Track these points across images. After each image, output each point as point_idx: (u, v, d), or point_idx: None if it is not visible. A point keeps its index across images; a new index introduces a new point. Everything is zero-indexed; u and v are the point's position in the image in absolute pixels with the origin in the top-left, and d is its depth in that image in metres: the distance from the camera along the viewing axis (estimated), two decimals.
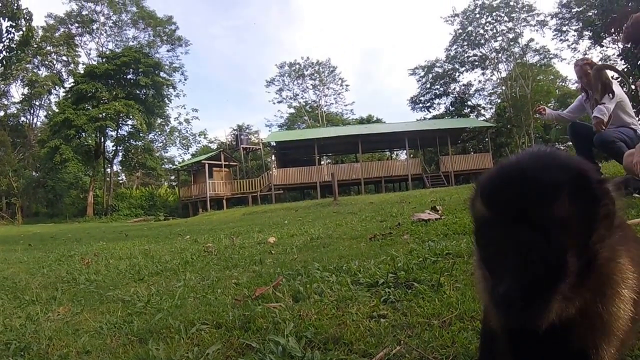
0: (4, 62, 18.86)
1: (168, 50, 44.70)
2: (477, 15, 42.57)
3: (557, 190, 0.68)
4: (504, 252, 0.70)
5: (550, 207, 0.67)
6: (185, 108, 50.45)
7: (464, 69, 46.20)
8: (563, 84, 44.94)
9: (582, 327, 0.73)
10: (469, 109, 47.62)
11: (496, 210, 0.71)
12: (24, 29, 17.49)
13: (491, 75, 45.63)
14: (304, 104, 55.64)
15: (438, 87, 48.32)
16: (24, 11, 16.95)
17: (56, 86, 40.65)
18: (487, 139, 34.67)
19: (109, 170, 39.41)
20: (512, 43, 42.27)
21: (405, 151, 36.63)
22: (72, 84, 36.74)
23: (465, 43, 44.28)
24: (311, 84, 55.28)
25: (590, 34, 32.72)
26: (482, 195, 0.73)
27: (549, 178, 0.69)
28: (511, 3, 41.02)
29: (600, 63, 5.70)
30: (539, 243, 0.67)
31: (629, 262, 0.74)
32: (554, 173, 0.70)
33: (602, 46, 33.00)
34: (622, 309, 0.73)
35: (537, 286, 0.68)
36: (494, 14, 41.63)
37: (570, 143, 5.91)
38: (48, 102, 42.55)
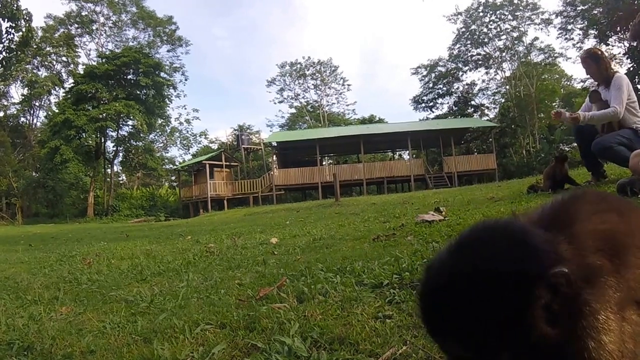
0: (4, 63, 18.87)
1: (168, 51, 44.92)
2: (481, 14, 42.40)
3: (472, 299, 0.68)
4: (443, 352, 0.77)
5: (463, 318, 0.69)
6: (186, 108, 50.77)
7: (467, 68, 46.02)
8: (568, 83, 44.55)
9: None
10: (472, 109, 47.29)
11: (425, 324, 0.75)
12: (23, 29, 17.50)
13: (495, 75, 45.49)
14: (305, 104, 55.64)
15: (441, 86, 48.04)
16: (24, 12, 16.97)
17: (56, 87, 40.71)
18: (490, 139, 34.30)
19: (109, 170, 39.42)
20: (516, 42, 41.99)
21: (407, 151, 36.38)
22: (72, 85, 36.74)
23: (469, 42, 44.09)
24: (312, 84, 55.29)
25: (596, 33, 32.38)
26: (416, 304, 0.80)
27: (465, 288, 0.70)
28: (515, 1, 40.76)
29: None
30: (464, 353, 0.70)
31: (607, 312, 0.71)
32: (473, 279, 0.69)
33: (607, 45, 32.63)
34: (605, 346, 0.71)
35: None
36: (497, 12, 41.39)
37: (575, 144, 5.86)
38: (48, 102, 42.72)
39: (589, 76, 5.83)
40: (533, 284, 0.68)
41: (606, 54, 5.32)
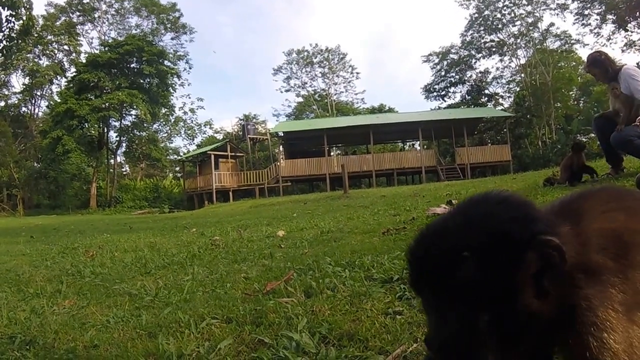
0: (4, 52, 18.79)
1: (172, 38, 44.34)
2: None
3: (458, 257, 0.69)
4: (424, 307, 0.77)
5: (448, 274, 0.69)
6: (190, 97, 49.91)
7: (480, 55, 44.51)
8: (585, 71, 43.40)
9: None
10: (486, 98, 45.96)
11: (410, 275, 0.77)
12: (24, 18, 17.37)
13: (509, 62, 43.92)
14: (312, 92, 54.43)
15: (453, 74, 46.54)
16: (24, 0, 16.85)
17: (58, 76, 40.52)
18: (505, 130, 33.22)
19: (112, 161, 39.37)
20: (531, 28, 40.37)
21: (418, 142, 35.37)
22: (74, 74, 36.52)
23: (482, 28, 42.53)
24: (320, 72, 53.88)
25: (614, 18, 31.66)
26: (405, 256, 0.78)
27: (453, 244, 0.71)
28: None
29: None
30: (443, 307, 0.71)
31: (604, 304, 0.70)
32: (463, 237, 0.71)
33: (626, 31, 31.88)
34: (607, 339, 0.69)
35: (454, 340, 0.71)
36: None
37: (594, 135, 5.85)
38: (50, 92, 42.47)
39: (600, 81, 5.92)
40: (521, 246, 0.68)
41: (607, 53, 5.33)
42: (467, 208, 0.77)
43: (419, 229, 0.79)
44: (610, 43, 34.57)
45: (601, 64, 5.08)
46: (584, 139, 29.02)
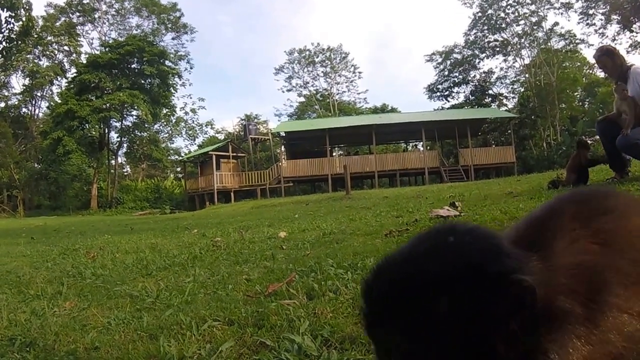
0: (4, 53, 18.87)
1: (173, 38, 44.52)
2: None
3: (422, 291, 0.62)
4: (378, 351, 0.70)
5: (411, 310, 0.62)
6: (191, 97, 49.76)
7: (484, 55, 44.32)
8: (590, 71, 42.26)
9: None
10: (490, 98, 45.85)
11: (365, 313, 0.69)
12: (23, 19, 17.46)
13: (513, 62, 43.76)
14: (314, 92, 54.35)
15: (457, 74, 46.38)
16: (23, 1, 16.89)
17: (58, 77, 40.62)
18: (509, 131, 33.14)
19: (113, 162, 39.40)
20: (535, 27, 40.11)
21: (421, 143, 35.40)
22: (75, 74, 36.61)
23: (486, 27, 42.25)
24: (322, 72, 53.87)
25: (619, 18, 31.45)
26: (360, 290, 0.71)
27: (417, 279, 0.64)
28: None
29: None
30: (403, 348, 0.64)
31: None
32: (428, 271, 0.64)
33: (631, 31, 31.63)
34: None
35: None
36: None
37: (598, 137, 5.79)
38: (50, 93, 42.60)
39: (606, 75, 5.84)
40: (491, 283, 0.60)
41: (619, 50, 5.30)
42: (431, 238, 0.69)
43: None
44: (615, 44, 34.28)
45: (615, 56, 5.03)
46: (589, 141, 28.89)
